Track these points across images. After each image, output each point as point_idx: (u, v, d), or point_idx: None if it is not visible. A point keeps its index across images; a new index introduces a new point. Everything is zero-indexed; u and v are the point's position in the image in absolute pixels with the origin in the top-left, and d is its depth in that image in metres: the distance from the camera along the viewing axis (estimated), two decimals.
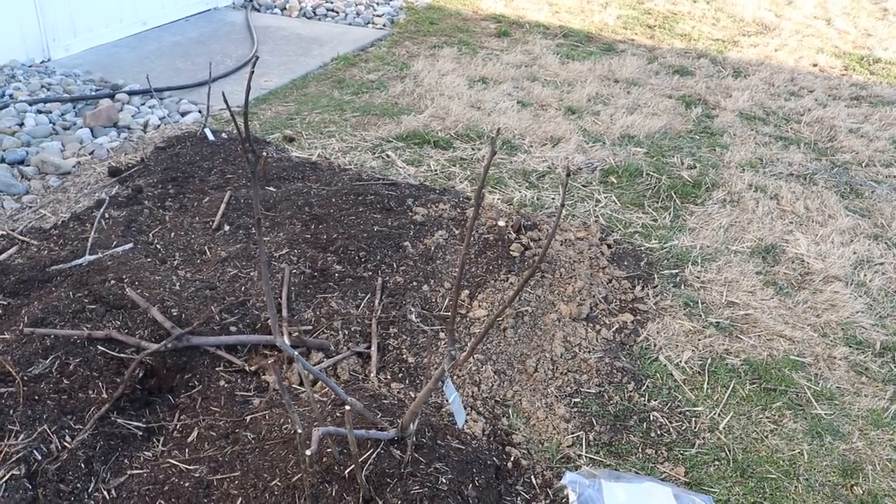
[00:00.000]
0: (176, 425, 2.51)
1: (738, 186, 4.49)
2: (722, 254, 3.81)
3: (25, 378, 2.52)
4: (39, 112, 5.05)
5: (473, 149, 4.68)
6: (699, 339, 3.19)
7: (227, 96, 5.15)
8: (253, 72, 1.58)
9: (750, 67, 6.64)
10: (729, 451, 2.66)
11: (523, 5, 8.05)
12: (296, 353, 2.06)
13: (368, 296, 3.05)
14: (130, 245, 3.27)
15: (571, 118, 5.26)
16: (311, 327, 2.87)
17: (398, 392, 2.64)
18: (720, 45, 7.27)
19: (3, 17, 5.71)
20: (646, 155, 4.83)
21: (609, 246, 3.71)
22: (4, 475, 2.18)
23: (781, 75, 6.50)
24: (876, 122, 5.63)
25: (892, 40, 7.76)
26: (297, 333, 2.80)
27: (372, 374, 2.72)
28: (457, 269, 3.25)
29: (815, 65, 6.89)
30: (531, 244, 3.40)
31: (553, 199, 4.17)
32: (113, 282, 2.95)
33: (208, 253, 3.21)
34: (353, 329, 2.87)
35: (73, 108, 5.17)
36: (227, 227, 3.42)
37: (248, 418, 2.46)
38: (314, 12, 7.49)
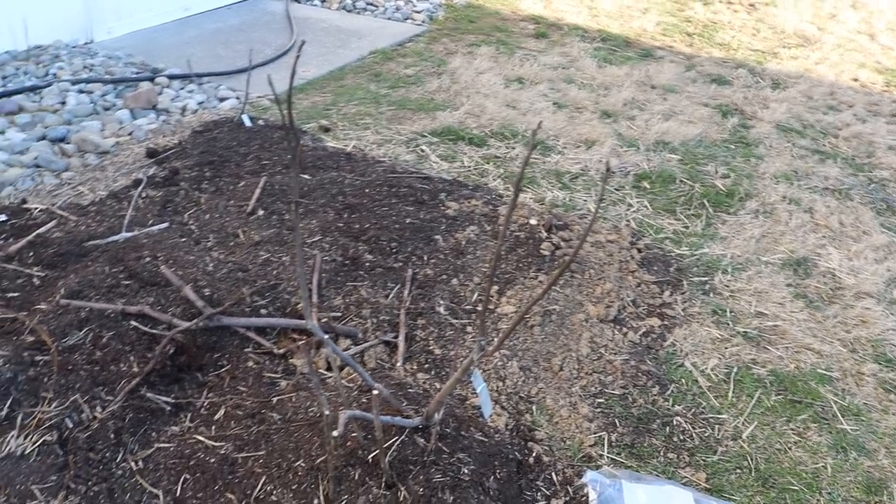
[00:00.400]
0: (203, 402, 2.54)
1: (772, 198, 4.46)
2: (753, 264, 3.79)
3: (60, 348, 2.57)
4: (81, 92, 5.14)
5: (507, 147, 4.69)
6: (726, 348, 3.18)
7: (266, 86, 5.20)
8: (299, 56, 1.61)
9: (789, 80, 6.58)
10: (751, 459, 2.65)
11: (562, 7, 8.04)
12: (326, 337, 2.09)
13: (398, 286, 3.07)
14: (166, 225, 3.32)
15: (607, 122, 5.25)
16: (340, 314, 2.90)
17: (423, 382, 2.66)
18: (759, 55, 7.21)
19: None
20: (680, 162, 4.80)
21: (639, 250, 3.70)
22: (38, 440, 2.23)
23: (821, 89, 6.43)
24: None
25: None
26: (326, 319, 2.83)
27: (398, 364, 2.74)
28: (487, 266, 3.26)
29: (855, 80, 6.82)
30: (562, 244, 3.40)
31: (585, 201, 4.17)
32: (148, 259, 3.00)
33: (242, 236, 3.25)
34: (381, 318, 2.90)
35: (114, 89, 5.25)
36: (261, 212, 3.46)
37: (275, 399, 2.49)
38: (354, 5, 7.54)
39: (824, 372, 3.11)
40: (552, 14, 7.80)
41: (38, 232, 3.30)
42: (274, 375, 2.63)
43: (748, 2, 9.06)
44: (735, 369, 3.06)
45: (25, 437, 2.25)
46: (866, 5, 9.30)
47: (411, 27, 7.03)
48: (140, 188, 3.67)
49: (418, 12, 7.38)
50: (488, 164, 4.45)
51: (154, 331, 2.69)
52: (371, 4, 7.54)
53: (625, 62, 6.54)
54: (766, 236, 4.06)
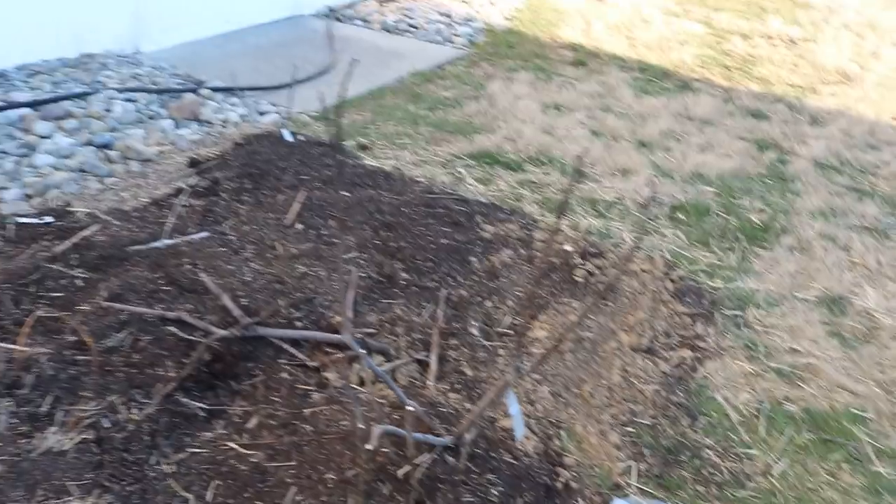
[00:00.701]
0: (237, 410, 2.57)
1: (808, 234, 4.43)
2: (787, 300, 3.76)
3: (100, 349, 2.62)
4: (127, 100, 5.25)
5: (544, 173, 4.72)
6: (758, 383, 3.16)
7: (306, 101, 5.29)
8: (349, 72, 1.64)
9: (828, 116, 6.55)
10: (781, 497, 2.62)
11: (601, 36, 8.09)
12: (363, 352, 2.11)
13: (432, 306, 3.09)
14: (206, 234, 3.38)
15: (643, 151, 5.26)
16: (373, 331, 2.93)
17: (455, 402, 2.67)
18: (798, 91, 7.19)
19: (101, 8, 5.96)
20: (716, 194, 4.79)
21: (672, 281, 3.70)
22: (76, 437, 2.28)
23: (860, 127, 6.39)
24: None
25: None
26: (360, 335, 2.86)
27: (430, 383, 2.75)
28: (521, 289, 3.28)
29: None
30: (596, 271, 3.41)
31: (619, 229, 4.17)
32: (188, 267, 3.06)
33: (280, 248, 3.30)
34: (414, 337, 2.92)
35: (159, 99, 5.36)
36: (299, 226, 3.51)
37: (307, 411, 2.52)
38: (395, 26, 7.64)
39: (858, 412, 3.07)
40: (591, 42, 7.84)
41: (82, 234, 3.37)
42: (307, 387, 2.65)
43: (788, 37, 9.04)
44: (767, 405, 3.04)
45: (64, 434, 2.30)
46: None
47: (451, 50, 7.11)
48: (182, 196, 3.74)
49: (458, 36, 7.46)
50: (524, 188, 4.48)
51: (191, 337, 2.74)
52: (412, 26, 7.63)
53: (662, 93, 6.55)
54: (802, 272, 4.03)
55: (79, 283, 3.04)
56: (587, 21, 8.58)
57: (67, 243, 3.28)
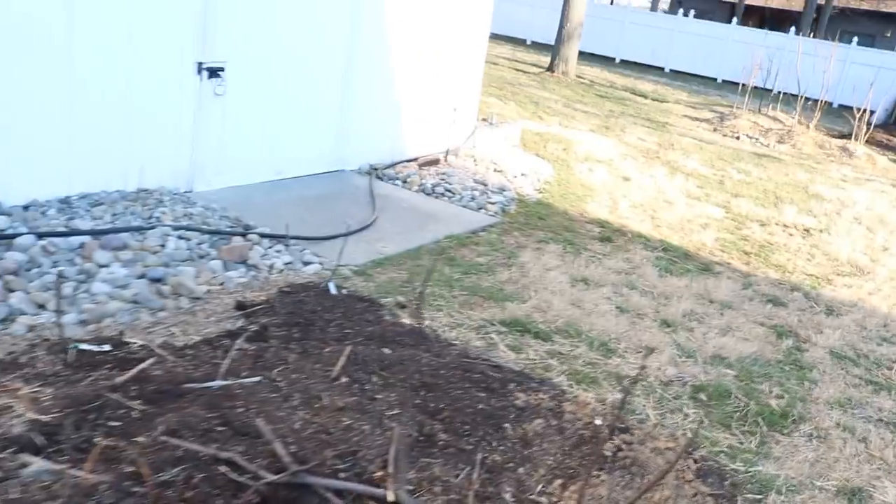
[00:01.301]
0: None
1: (826, 423, 4.57)
2: (807, 488, 3.86)
3: (155, 482, 2.77)
4: (180, 238, 5.62)
5: (571, 345, 4.94)
6: None
7: (347, 255, 5.62)
8: (435, 262, 1.87)
9: (843, 307, 6.81)
10: None
11: (627, 214, 8.54)
12: None
13: (468, 468, 3.24)
14: (259, 379, 3.59)
15: (666, 331, 5.50)
16: (412, 487, 3.07)
17: None
18: (814, 280, 7.49)
19: (164, 148, 6.48)
20: (736, 378, 4.98)
21: (695, 461, 3.82)
22: None
23: (874, 319, 6.63)
24: None
25: None
26: (400, 491, 3.00)
27: None
28: (552, 458, 3.42)
29: None
30: (623, 446, 3.56)
31: (643, 406, 4.34)
32: (241, 409, 3.25)
33: (326, 400, 3.49)
34: (451, 497, 3.05)
35: (210, 239, 5.72)
36: (344, 379, 3.71)
37: None
38: (433, 189, 8.13)
39: None
40: (617, 220, 8.28)
41: (141, 367, 3.60)
42: None
43: (803, 226, 9.48)
44: None
45: None
46: None
47: (485, 217, 7.54)
48: (239, 341, 3.98)
49: (492, 203, 7.92)
50: (553, 359, 4.69)
51: (241, 479, 2.89)
52: (449, 191, 8.12)
53: (684, 274, 6.87)
54: (820, 461, 4.14)
55: (136, 414, 3.23)
56: (613, 199, 9.09)
57: (129, 374, 3.51)
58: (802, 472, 4.00)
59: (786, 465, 4.06)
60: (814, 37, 26.90)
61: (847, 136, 17.23)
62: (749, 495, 3.70)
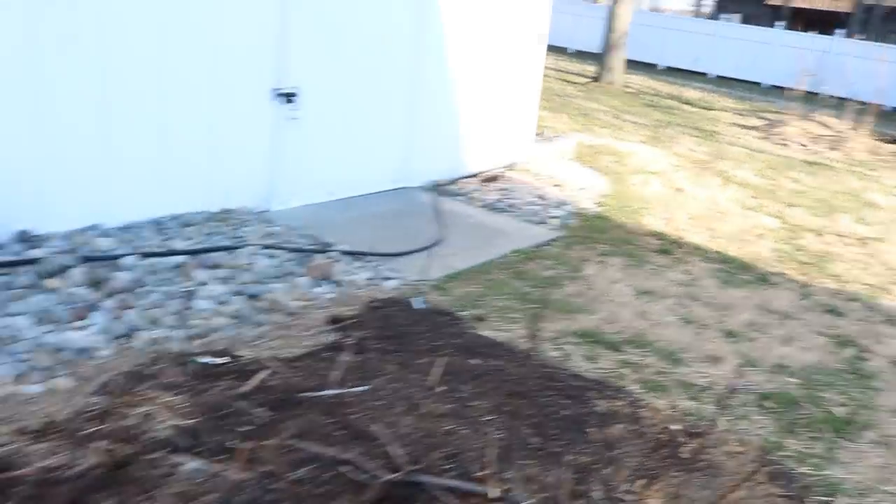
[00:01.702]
0: None
1: (891, 430, 4.79)
2: (875, 492, 4.10)
3: (289, 481, 3.16)
4: (268, 256, 6.03)
5: (640, 356, 5.23)
6: None
7: (421, 271, 5.99)
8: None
9: None
10: None
11: (683, 226, 8.78)
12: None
13: (559, 469, 3.57)
14: (366, 387, 3.96)
15: (730, 340, 5.76)
16: (510, 486, 3.40)
17: None
18: (872, 290, 7.65)
19: (245, 170, 6.96)
20: (799, 386, 5.22)
21: (764, 465, 4.09)
22: None
23: None
24: None
25: None
26: (501, 490, 3.34)
27: None
28: (634, 460, 3.73)
29: None
30: (700, 449, 3.85)
31: (713, 412, 4.62)
32: (354, 416, 3.63)
33: (427, 407, 3.85)
34: (547, 495, 3.38)
35: (295, 256, 6.11)
36: (440, 388, 4.07)
37: None
38: (495, 205, 8.46)
39: None
40: (673, 231, 8.53)
41: (261, 377, 3.99)
42: None
43: (858, 236, 9.61)
44: None
45: None
46: None
47: (547, 231, 7.84)
48: (344, 353, 4.36)
49: (554, 217, 8.22)
50: (624, 368, 4.99)
51: (361, 478, 3.25)
52: (511, 206, 8.45)
53: (743, 285, 7.10)
54: (887, 467, 4.37)
55: (261, 420, 3.62)
56: (669, 210, 9.33)
57: (250, 384, 3.91)
58: (869, 477, 4.24)
59: (852, 469, 4.30)
60: (864, 38, 26.63)
61: None
62: (818, 497, 3.96)
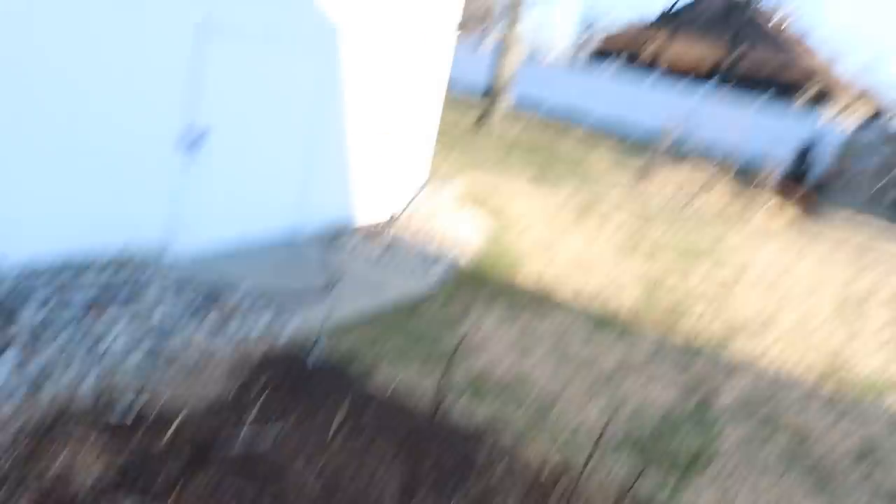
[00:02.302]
0: None
1: (730, 464, 5.58)
2: None
3: None
4: (172, 298, 6.30)
5: (515, 404, 5.83)
6: None
7: (309, 320, 6.39)
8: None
9: (743, 365, 7.87)
10: None
11: (557, 275, 9.53)
12: None
13: None
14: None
15: (595, 388, 6.45)
16: None
17: None
18: (718, 339, 8.56)
19: (141, 211, 7.10)
20: (654, 429, 5.94)
21: (625, 498, 4.73)
22: None
23: (768, 377, 7.71)
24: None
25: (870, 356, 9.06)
26: None
27: None
28: (512, 498, 4.27)
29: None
30: (571, 487, 4.44)
31: (580, 451, 5.23)
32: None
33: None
34: None
35: (200, 300, 6.39)
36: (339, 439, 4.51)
37: None
38: (378, 261, 8.84)
39: None
40: (549, 281, 9.26)
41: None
42: None
43: (718, 282, 10.62)
44: None
45: None
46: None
47: (430, 283, 8.30)
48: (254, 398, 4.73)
49: (436, 269, 8.74)
50: (499, 415, 5.58)
51: None
52: (393, 261, 8.88)
53: (607, 336, 7.88)
54: (727, 491, 5.13)
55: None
56: (546, 258, 10.09)
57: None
58: (711, 500, 4.99)
59: (702, 496, 5.07)
60: (727, 95, 28.82)
61: (756, 188, 18.82)
62: None
